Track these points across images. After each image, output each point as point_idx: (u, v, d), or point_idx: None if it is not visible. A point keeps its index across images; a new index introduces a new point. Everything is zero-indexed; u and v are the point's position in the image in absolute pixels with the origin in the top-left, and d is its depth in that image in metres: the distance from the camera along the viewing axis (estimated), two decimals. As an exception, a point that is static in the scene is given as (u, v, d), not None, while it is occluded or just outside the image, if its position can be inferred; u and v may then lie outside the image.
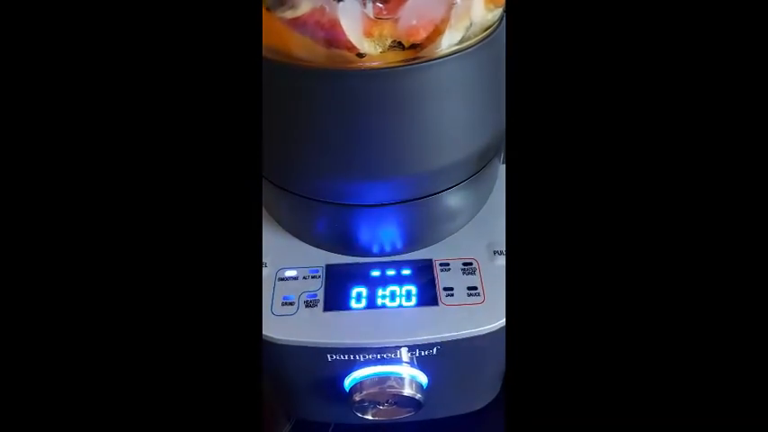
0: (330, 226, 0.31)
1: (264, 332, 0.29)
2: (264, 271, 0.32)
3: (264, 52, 0.23)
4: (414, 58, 0.23)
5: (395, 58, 0.23)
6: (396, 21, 0.22)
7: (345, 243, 0.32)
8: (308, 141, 0.26)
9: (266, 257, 0.33)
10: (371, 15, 0.21)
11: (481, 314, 0.30)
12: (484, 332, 0.29)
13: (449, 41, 0.24)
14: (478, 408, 0.39)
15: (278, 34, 0.23)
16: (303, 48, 0.23)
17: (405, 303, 0.31)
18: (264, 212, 0.35)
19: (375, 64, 0.23)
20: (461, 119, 0.26)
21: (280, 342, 0.29)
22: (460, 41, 0.24)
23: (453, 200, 0.30)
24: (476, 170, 0.30)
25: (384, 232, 0.31)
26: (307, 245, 0.34)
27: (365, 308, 0.31)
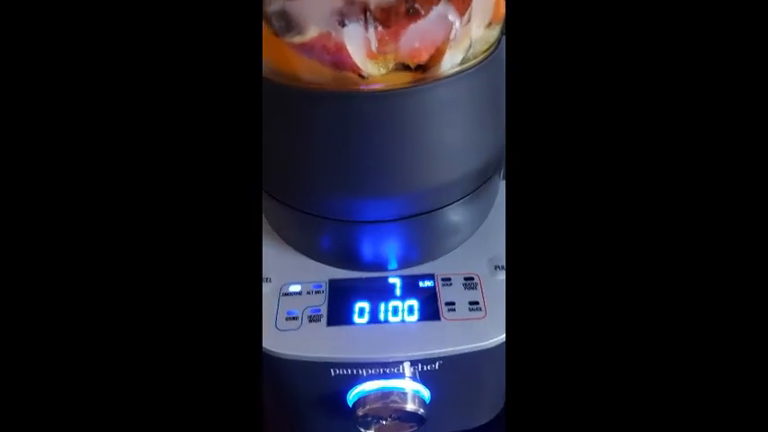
0: (333, 242, 0.32)
1: (268, 347, 0.30)
2: (268, 286, 0.33)
3: (272, 75, 0.24)
4: (417, 80, 0.24)
5: (398, 79, 0.24)
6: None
7: (348, 259, 0.33)
8: (314, 160, 0.26)
9: (270, 273, 0.33)
10: (374, 47, 0.22)
11: (482, 329, 0.30)
12: (485, 347, 0.30)
13: (451, 62, 0.24)
14: (482, 423, 0.38)
15: (286, 58, 0.23)
16: (310, 71, 0.23)
17: (407, 318, 0.31)
18: (269, 228, 0.35)
19: (379, 86, 0.24)
20: (463, 137, 0.27)
21: (283, 357, 0.30)
22: (462, 62, 0.25)
23: (454, 215, 0.31)
24: (476, 186, 0.30)
25: (386, 248, 0.31)
26: (310, 260, 0.34)
27: (368, 323, 0.31)
